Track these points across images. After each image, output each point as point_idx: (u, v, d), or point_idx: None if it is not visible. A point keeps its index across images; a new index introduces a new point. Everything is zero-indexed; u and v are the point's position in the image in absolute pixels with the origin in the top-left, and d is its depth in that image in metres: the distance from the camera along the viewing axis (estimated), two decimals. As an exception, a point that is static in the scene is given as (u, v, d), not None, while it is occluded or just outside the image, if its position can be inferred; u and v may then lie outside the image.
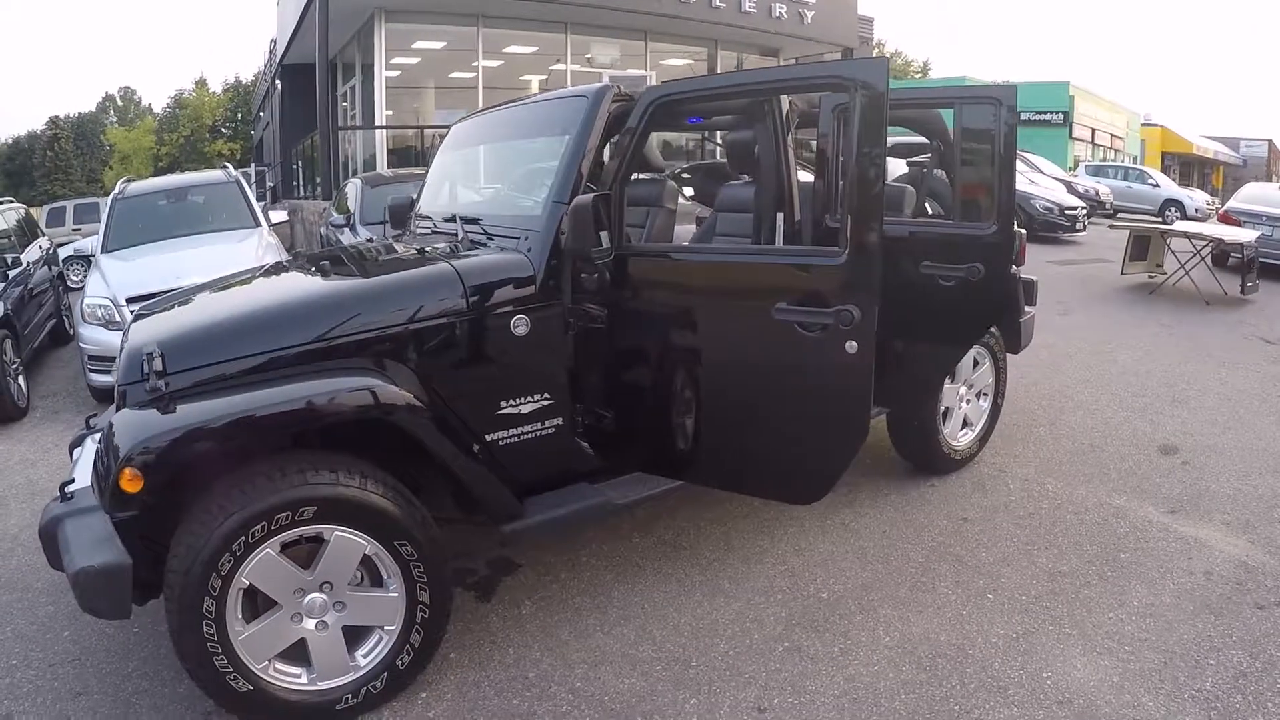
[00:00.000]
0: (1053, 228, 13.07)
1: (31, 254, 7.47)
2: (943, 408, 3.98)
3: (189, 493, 2.28)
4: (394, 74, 14.67)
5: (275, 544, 2.24)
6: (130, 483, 2.11)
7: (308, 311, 2.59)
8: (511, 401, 2.77)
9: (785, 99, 3.34)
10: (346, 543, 2.32)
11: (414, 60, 15.31)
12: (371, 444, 2.48)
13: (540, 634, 2.91)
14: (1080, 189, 16.60)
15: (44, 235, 8.63)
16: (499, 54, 15.49)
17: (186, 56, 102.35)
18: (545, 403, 2.81)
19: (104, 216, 7.19)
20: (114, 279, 5.94)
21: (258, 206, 7.54)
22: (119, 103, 59.35)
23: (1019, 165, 16.00)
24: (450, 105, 15.43)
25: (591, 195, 2.57)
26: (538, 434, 2.82)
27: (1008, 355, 4.32)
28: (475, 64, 14.72)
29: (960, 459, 4.14)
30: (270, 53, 22.30)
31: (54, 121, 53.82)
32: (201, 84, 50.99)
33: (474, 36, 14.50)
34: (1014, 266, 4.27)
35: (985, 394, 4.25)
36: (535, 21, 14.57)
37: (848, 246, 2.39)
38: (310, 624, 2.35)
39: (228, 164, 9.77)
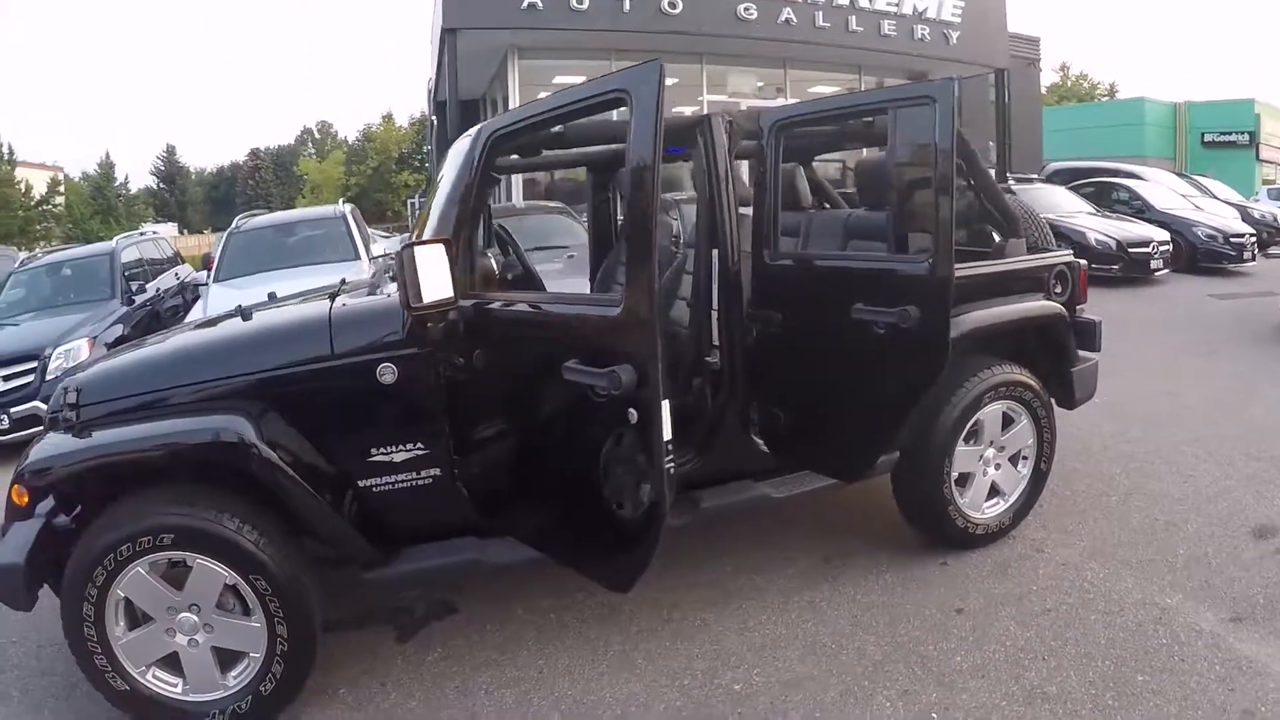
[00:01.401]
0: (1216, 257, 11.42)
1: (165, 281, 8.27)
2: (956, 472, 3.37)
3: (93, 510, 2.52)
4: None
5: (145, 563, 2.44)
6: (18, 496, 2.52)
7: (203, 356, 2.85)
8: (383, 449, 2.67)
9: (723, 119, 2.97)
10: (208, 570, 2.47)
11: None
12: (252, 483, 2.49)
13: (429, 685, 2.81)
14: (1256, 214, 14.37)
15: (183, 263, 9.56)
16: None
17: (380, 91, 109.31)
18: (419, 452, 2.67)
19: (219, 249, 7.81)
20: (214, 305, 6.40)
21: (359, 240, 7.92)
22: (316, 135, 62.27)
23: (1185, 188, 14.24)
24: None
25: (411, 243, 2.42)
26: (413, 483, 2.69)
27: (1060, 409, 3.64)
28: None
29: (984, 534, 3.49)
30: (428, 89, 23.79)
31: (255, 153, 58.85)
32: (388, 118, 54.59)
33: (608, 71, 14.67)
34: (1071, 305, 3.60)
35: (1024, 458, 3.57)
36: (669, 54, 14.44)
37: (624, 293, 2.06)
38: (182, 640, 2.53)
39: (344, 202, 10.33)
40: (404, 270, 2.37)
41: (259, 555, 2.42)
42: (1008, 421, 3.49)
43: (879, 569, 3.43)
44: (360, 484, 2.67)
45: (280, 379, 2.65)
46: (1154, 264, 10.47)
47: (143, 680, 2.52)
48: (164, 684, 2.54)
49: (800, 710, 2.54)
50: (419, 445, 2.67)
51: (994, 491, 3.53)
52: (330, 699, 2.74)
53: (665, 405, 2.05)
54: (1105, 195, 13.08)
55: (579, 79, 15.08)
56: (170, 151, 59.66)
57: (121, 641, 2.48)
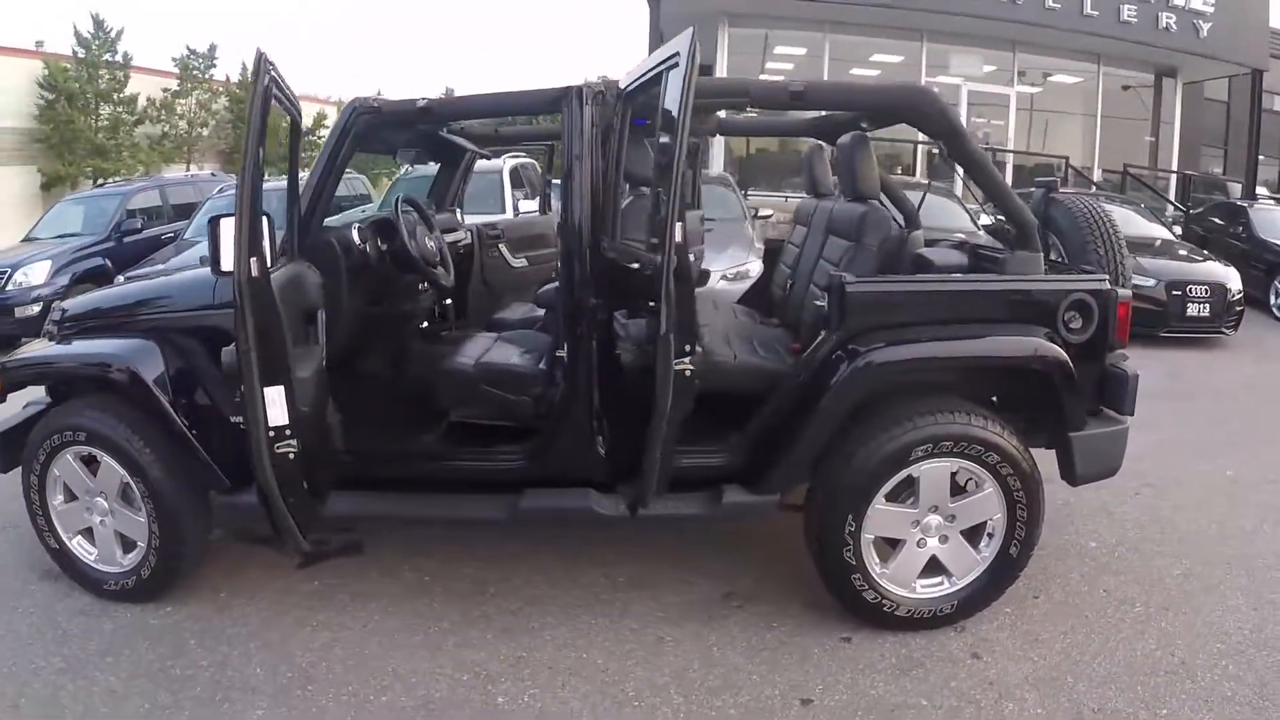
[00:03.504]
0: None
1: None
2: (871, 534, 2.54)
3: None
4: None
5: (70, 452, 2.75)
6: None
7: (148, 293, 3.09)
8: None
9: (591, 90, 2.38)
10: (110, 467, 2.73)
11: (771, 66, 14.79)
12: None
13: (285, 607, 2.84)
14: None
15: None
16: (861, 63, 14.28)
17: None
18: None
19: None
20: None
21: (509, 197, 7.91)
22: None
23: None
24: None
25: (218, 216, 2.34)
26: None
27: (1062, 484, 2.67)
28: (821, 72, 13.73)
29: (909, 617, 2.63)
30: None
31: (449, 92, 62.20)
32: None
33: (821, 43, 13.53)
34: (1096, 348, 2.60)
35: (988, 535, 2.63)
36: (887, 29, 13.07)
37: None
38: (96, 519, 2.84)
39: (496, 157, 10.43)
40: (210, 239, 2.32)
41: (140, 462, 2.63)
42: (964, 486, 2.58)
43: (772, 622, 2.74)
44: (232, 419, 2.54)
45: (181, 320, 2.81)
46: (1192, 312, 6.95)
47: (69, 544, 2.88)
48: (83, 550, 2.88)
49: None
50: None
51: (936, 568, 2.65)
52: (209, 597, 2.90)
53: (274, 391, 2.10)
54: (1234, 221, 9.56)
55: (800, 50, 14.26)
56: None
57: (58, 510, 2.86)
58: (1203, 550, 3.32)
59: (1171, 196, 12.23)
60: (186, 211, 8.60)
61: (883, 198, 3.31)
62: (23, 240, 8.51)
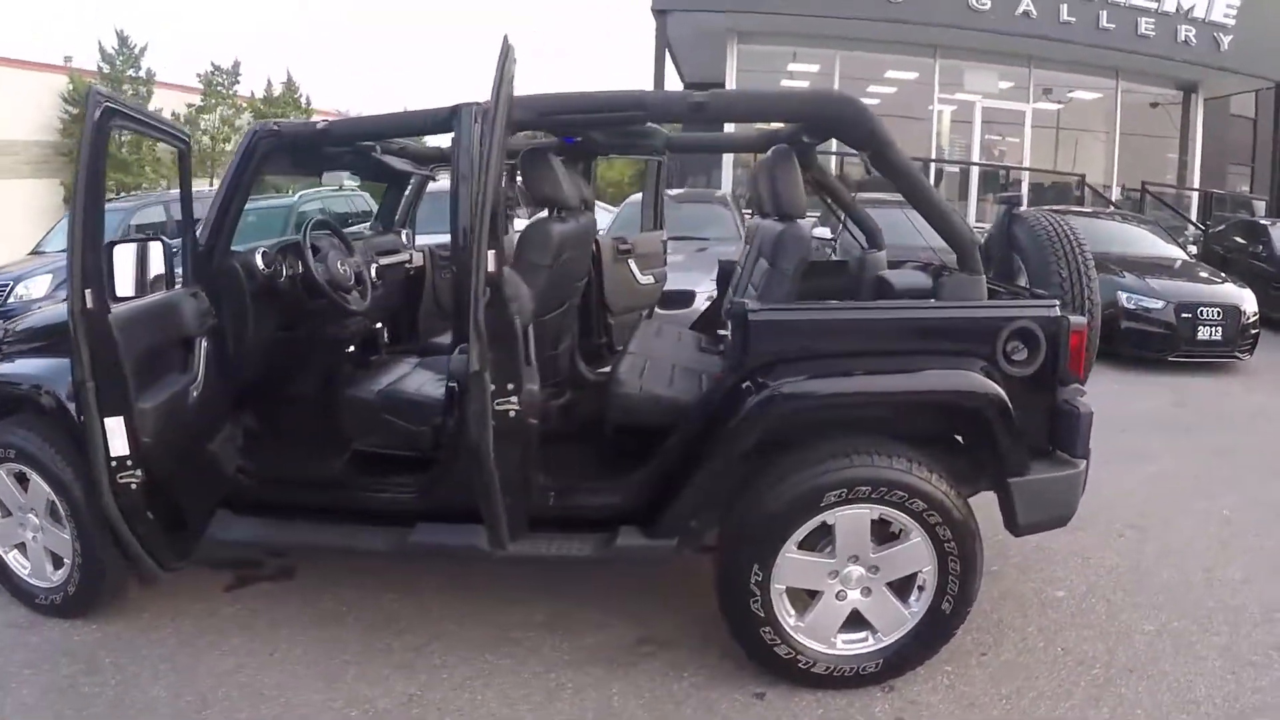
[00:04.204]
0: None
1: None
2: (783, 584, 2.26)
3: None
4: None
5: (3, 469, 2.70)
6: None
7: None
8: None
9: (475, 109, 2.20)
10: (38, 484, 2.67)
11: (787, 84, 14.52)
12: None
13: (199, 630, 2.75)
14: None
15: None
16: (874, 80, 13.96)
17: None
18: None
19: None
20: None
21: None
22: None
23: None
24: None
25: (113, 241, 2.30)
26: None
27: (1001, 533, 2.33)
28: (833, 88, 13.44)
29: (828, 674, 2.33)
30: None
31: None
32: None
33: (833, 60, 13.25)
34: (1045, 381, 2.30)
35: (918, 588, 2.33)
36: (899, 45, 12.74)
37: None
38: (28, 535, 2.79)
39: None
40: (105, 266, 2.27)
41: (63, 480, 2.57)
42: (891, 535, 2.28)
43: (684, 672, 2.48)
44: None
45: None
46: (1203, 335, 6.47)
47: (5, 557, 2.84)
48: (18, 564, 2.84)
49: None
50: None
51: (859, 623, 2.35)
52: (133, 616, 2.82)
53: (114, 422, 1.98)
54: (1255, 240, 9.02)
55: (812, 68, 13.98)
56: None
57: None
58: (1182, 602, 2.95)
59: (1193, 215, 11.66)
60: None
61: (843, 217, 3.04)
62: (30, 253, 8.55)
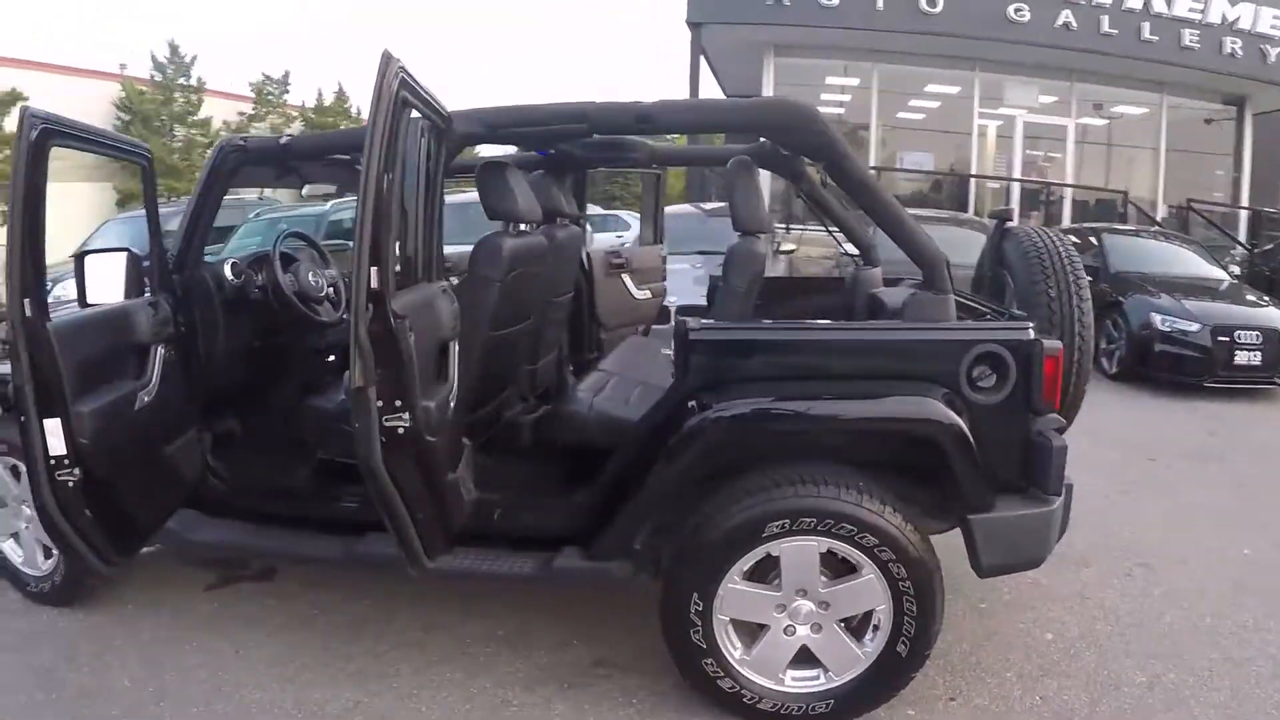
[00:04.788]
0: None
1: None
2: (726, 616, 2.11)
3: None
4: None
5: (1, 463, 2.77)
6: None
7: None
8: None
9: None
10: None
11: (826, 98, 14.26)
12: None
13: (168, 625, 2.80)
14: None
15: None
16: (913, 94, 13.64)
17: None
18: None
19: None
20: None
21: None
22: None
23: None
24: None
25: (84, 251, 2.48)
26: None
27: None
28: (870, 104, 13.15)
29: (774, 712, 2.17)
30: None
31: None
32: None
33: (870, 74, 12.97)
34: (1015, 410, 2.11)
35: (874, 628, 2.15)
36: (938, 58, 12.39)
37: None
38: (22, 525, 2.81)
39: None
40: (76, 275, 2.40)
41: None
42: (843, 570, 2.11)
43: (633, 698, 2.36)
44: None
45: None
46: (1241, 360, 6.01)
47: (3, 545, 2.91)
48: (14, 553, 2.90)
49: None
50: None
51: (810, 660, 2.18)
52: (116, 607, 2.89)
53: (52, 423, 2.04)
54: None
55: (852, 81, 13.71)
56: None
57: None
58: (1184, 650, 2.69)
59: (1241, 234, 11.04)
60: (221, 235, 8.75)
61: (834, 232, 2.88)
62: (71, 255, 8.79)
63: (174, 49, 19.35)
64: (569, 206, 3.20)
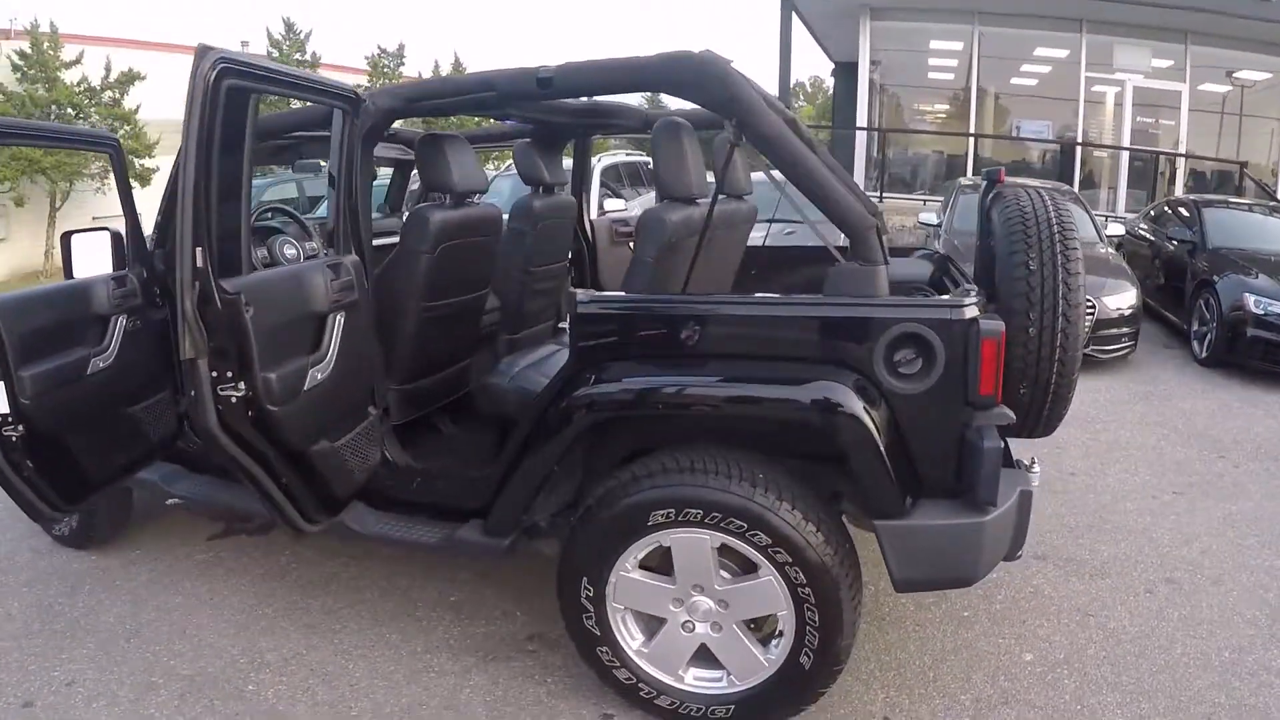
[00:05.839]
0: None
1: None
2: (622, 605, 1.94)
3: None
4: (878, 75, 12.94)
5: None
6: None
7: None
8: None
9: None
10: None
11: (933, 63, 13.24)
12: None
13: (163, 571, 2.90)
14: None
15: None
16: (1018, 57, 12.46)
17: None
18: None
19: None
20: None
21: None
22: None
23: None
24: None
25: (69, 231, 2.53)
26: None
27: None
28: (970, 67, 12.10)
29: (673, 710, 1.99)
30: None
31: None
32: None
33: (971, 36, 11.91)
34: (945, 399, 1.82)
35: (779, 634, 1.92)
36: (1042, 19, 11.22)
37: None
38: None
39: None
40: (63, 253, 2.48)
41: None
42: (740, 568, 1.89)
43: (548, 677, 2.29)
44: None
45: None
46: None
47: None
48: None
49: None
50: None
51: (712, 660, 1.98)
52: (124, 551, 3.03)
53: None
54: None
55: (955, 45, 12.66)
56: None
57: None
58: (1184, 689, 2.28)
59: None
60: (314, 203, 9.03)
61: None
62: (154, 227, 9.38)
63: (289, 25, 20.01)
64: (553, 175, 3.04)
